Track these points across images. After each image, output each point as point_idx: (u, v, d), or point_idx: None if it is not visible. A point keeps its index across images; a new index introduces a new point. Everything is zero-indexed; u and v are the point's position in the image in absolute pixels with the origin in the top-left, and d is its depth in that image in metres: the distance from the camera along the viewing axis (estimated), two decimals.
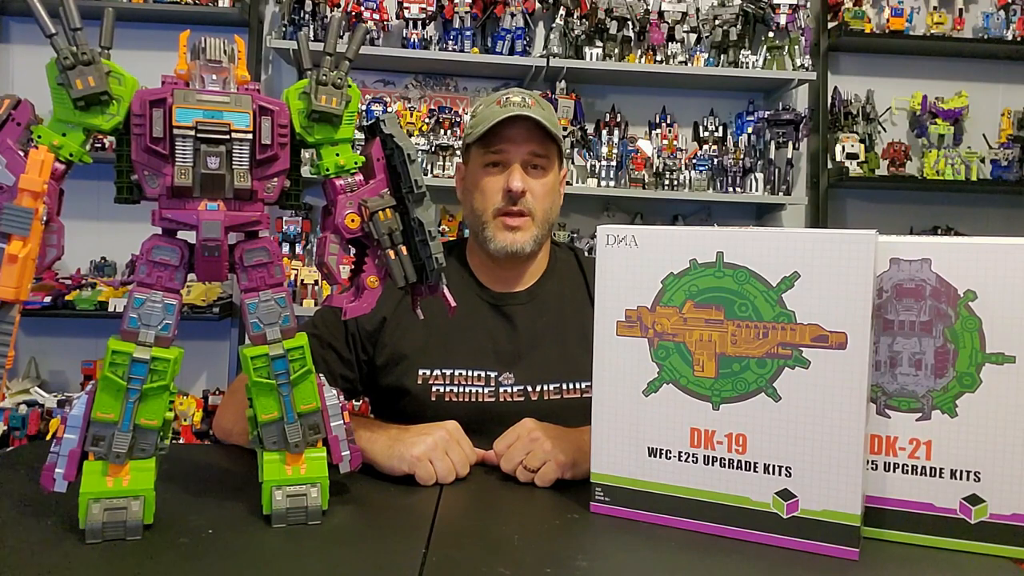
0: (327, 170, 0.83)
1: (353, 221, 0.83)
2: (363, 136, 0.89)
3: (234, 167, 0.77)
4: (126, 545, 0.73)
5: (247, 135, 0.76)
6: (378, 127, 0.85)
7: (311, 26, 2.72)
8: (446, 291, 0.89)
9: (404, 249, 0.85)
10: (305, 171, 0.85)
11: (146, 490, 0.76)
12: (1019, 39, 2.97)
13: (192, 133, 0.74)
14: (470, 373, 1.24)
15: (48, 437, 2.52)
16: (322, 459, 0.83)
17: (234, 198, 0.78)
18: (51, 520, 0.78)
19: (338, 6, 2.74)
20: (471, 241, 1.36)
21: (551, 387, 1.25)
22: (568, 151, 2.81)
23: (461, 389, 1.23)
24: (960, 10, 3.08)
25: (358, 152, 0.85)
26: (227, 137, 0.76)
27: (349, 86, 0.82)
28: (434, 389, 1.23)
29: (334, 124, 0.81)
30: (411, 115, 2.85)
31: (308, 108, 0.79)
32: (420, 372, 1.24)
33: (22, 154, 0.71)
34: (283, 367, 0.80)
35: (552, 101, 2.78)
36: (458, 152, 2.82)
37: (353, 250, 0.88)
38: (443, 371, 1.24)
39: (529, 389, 1.25)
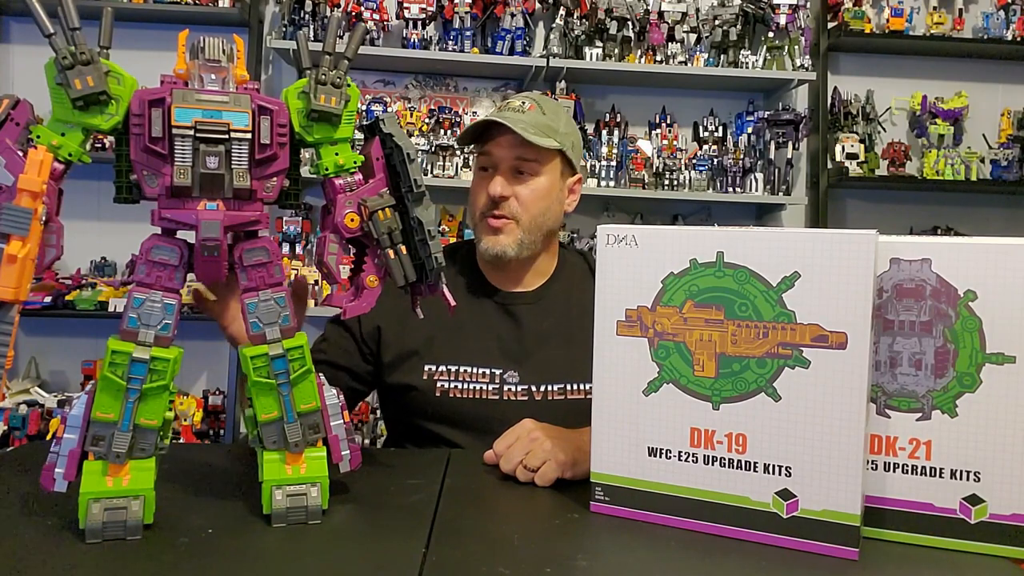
0: (326, 169, 0.82)
1: (353, 220, 0.83)
2: (363, 136, 0.89)
3: (233, 167, 0.76)
4: (126, 545, 0.73)
5: (246, 135, 0.76)
6: (377, 126, 0.85)
7: (311, 26, 2.72)
8: (445, 290, 0.89)
9: (404, 248, 0.85)
10: (305, 171, 0.85)
11: (146, 490, 0.76)
12: (1019, 39, 2.97)
13: (191, 133, 0.74)
14: (476, 370, 1.25)
15: (48, 437, 2.52)
16: (322, 459, 0.83)
17: (233, 198, 0.77)
18: (51, 520, 0.78)
19: (338, 6, 2.74)
20: None
21: (555, 387, 1.26)
22: None
23: (466, 386, 1.24)
24: (960, 10, 3.08)
25: (357, 152, 0.85)
26: (226, 137, 0.75)
27: (348, 85, 0.81)
28: (439, 385, 1.24)
29: (333, 123, 0.81)
30: (411, 115, 2.84)
31: (307, 107, 0.79)
32: (426, 368, 1.25)
33: (21, 154, 0.71)
34: (283, 367, 0.80)
35: None
36: (458, 152, 2.83)
37: (353, 250, 0.88)
38: (449, 367, 1.25)
39: (533, 389, 1.25)
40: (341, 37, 2.71)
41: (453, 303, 0.90)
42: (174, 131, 0.74)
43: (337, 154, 0.82)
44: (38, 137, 0.72)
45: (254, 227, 0.81)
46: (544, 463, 0.95)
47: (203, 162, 0.75)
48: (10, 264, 0.68)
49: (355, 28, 0.85)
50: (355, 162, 0.83)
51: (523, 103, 1.27)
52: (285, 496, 0.79)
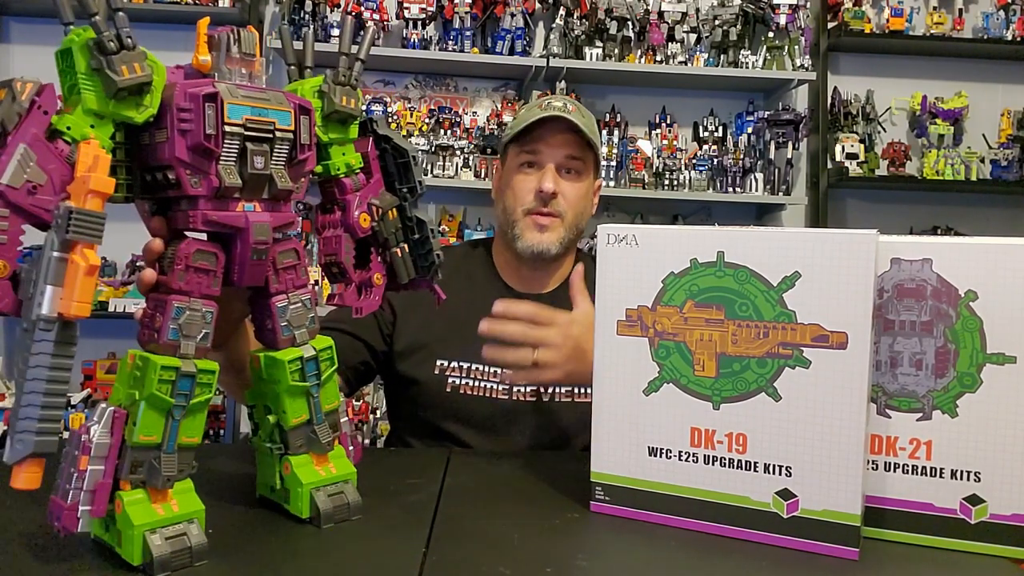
0: (338, 169, 0.82)
1: (365, 220, 0.83)
2: None
3: (272, 166, 0.73)
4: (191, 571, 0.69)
5: (288, 134, 0.73)
6: (370, 126, 0.86)
7: (311, 26, 2.72)
8: (436, 286, 0.90)
9: (405, 247, 0.86)
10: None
11: (198, 511, 0.71)
12: (1019, 39, 2.97)
13: (241, 131, 0.70)
14: (487, 368, 1.25)
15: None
16: (343, 456, 0.82)
17: (270, 199, 0.74)
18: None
19: (338, 6, 2.74)
20: (498, 240, 1.38)
21: (563, 390, 1.26)
22: None
23: (477, 383, 1.24)
24: (960, 10, 3.08)
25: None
26: (271, 136, 0.72)
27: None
28: (450, 381, 1.24)
29: (347, 124, 0.81)
30: (411, 115, 2.85)
31: (328, 108, 0.79)
32: (438, 362, 1.25)
33: (57, 148, 0.63)
34: (314, 368, 0.79)
35: None
36: (458, 152, 2.83)
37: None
38: (460, 364, 1.25)
39: (541, 390, 1.25)
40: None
41: (443, 296, 0.91)
42: (225, 128, 0.69)
43: (344, 154, 0.82)
44: (68, 128, 0.64)
45: (288, 228, 0.78)
46: (550, 368, 0.97)
47: (251, 162, 0.70)
48: (90, 276, 0.61)
49: (365, 30, 0.86)
50: (360, 162, 0.84)
51: (564, 104, 1.27)
52: (327, 497, 0.78)
